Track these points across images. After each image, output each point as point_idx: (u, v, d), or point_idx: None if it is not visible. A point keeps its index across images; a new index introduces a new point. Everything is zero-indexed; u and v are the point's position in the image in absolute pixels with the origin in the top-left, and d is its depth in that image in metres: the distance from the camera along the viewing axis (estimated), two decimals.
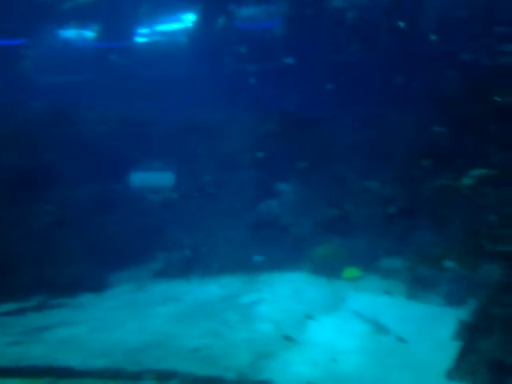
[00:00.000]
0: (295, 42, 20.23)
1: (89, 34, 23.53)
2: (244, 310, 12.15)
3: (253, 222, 16.06)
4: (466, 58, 14.58)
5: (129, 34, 23.64)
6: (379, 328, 10.58)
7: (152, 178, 18.66)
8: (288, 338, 10.19)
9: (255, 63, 19.93)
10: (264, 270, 14.61)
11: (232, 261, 15.13)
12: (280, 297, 12.78)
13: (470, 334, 9.15)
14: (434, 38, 17.45)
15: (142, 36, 23.84)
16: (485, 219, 12.50)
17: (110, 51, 22.93)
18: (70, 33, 23.53)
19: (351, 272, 13.48)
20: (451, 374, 8.58)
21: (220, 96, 19.31)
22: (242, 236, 15.63)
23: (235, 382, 8.10)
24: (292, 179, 16.74)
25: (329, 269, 13.80)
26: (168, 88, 20.36)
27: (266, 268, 14.65)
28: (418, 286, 12.22)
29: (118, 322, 11.51)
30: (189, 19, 22.84)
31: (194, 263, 15.38)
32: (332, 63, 20.01)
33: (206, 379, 8.15)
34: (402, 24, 18.08)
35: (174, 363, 8.92)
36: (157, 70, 21.99)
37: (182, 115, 19.57)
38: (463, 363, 8.64)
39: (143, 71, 22.18)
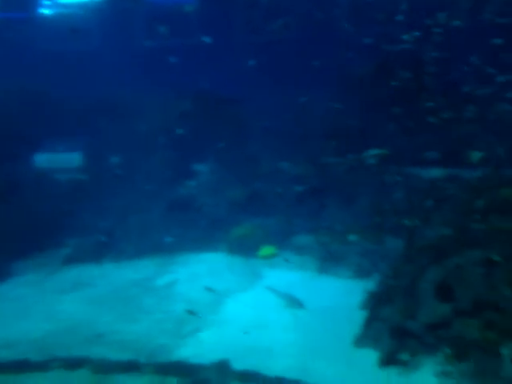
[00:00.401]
0: (210, 20, 19.90)
1: None
2: (159, 292, 12.01)
3: (169, 203, 15.75)
4: (368, 42, 15.24)
5: (31, 4, 21.83)
6: (293, 302, 10.93)
7: (59, 159, 17.54)
8: (203, 317, 10.23)
9: (169, 39, 19.30)
10: (180, 252, 14.48)
11: (147, 244, 14.79)
12: (196, 277, 12.78)
13: (374, 303, 9.75)
14: (344, 24, 18.04)
15: (47, 7, 22.13)
16: (389, 196, 13.36)
17: (10, 22, 21.09)
18: None
19: (266, 250, 13.76)
20: (358, 341, 9.14)
21: (131, 73, 18.53)
22: (157, 218, 15.30)
23: (146, 364, 7.99)
24: (208, 160, 16.60)
25: (245, 248, 13.98)
26: (75, 64, 19.17)
27: (182, 249, 14.51)
28: (329, 260, 12.81)
29: (22, 311, 10.83)
30: None
31: (107, 247, 14.79)
32: (248, 43, 19.98)
33: (117, 364, 7.94)
34: (313, 9, 18.49)
35: (84, 350, 8.60)
36: (63, 44, 20.56)
37: (91, 92, 18.52)
38: (369, 331, 9.22)
39: (48, 45, 20.63)
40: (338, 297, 11.35)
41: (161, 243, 14.49)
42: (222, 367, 7.99)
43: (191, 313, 10.04)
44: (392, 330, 8.67)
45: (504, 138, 13.82)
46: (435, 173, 13.43)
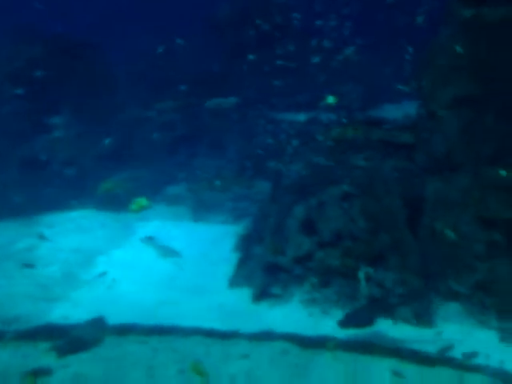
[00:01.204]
0: None
1: None
2: (23, 255, 11.08)
3: (24, 160, 14.26)
4: None
5: None
6: (169, 251, 10.93)
7: None
8: (73, 277, 9.75)
9: None
10: (43, 212, 13.40)
11: (4, 206, 13.38)
12: (63, 237, 12.03)
13: (246, 244, 10.19)
14: None
15: None
16: (257, 140, 13.73)
17: None
18: None
19: (138, 203, 13.36)
20: (232, 281, 9.54)
21: None
22: (11, 177, 13.80)
23: (8, 332, 7.42)
24: (65, 111, 15.22)
25: (115, 202, 13.42)
26: None
27: (45, 209, 13.43)
28: (203, 208, 12.95)
29: None
30: None
31: None
32: None
33: None
34: None
35: None
36: None
37: None
38: (242, 270, 9.66)
39: None
40: (212, 242, 11.62)
41: (19, 204, 13.21)
42: (97, 324, 7.75)
43: (28, 266, 9.48)
44: (263, 267, 9.18)
45: (358, 84, 14.96)
46: (299, 117, 14.07)
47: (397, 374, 6.83)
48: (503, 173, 8.57)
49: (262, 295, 8.88)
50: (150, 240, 11.59)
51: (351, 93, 14.82)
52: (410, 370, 6.96)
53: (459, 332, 8.02)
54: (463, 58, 9.39)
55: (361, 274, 8.52)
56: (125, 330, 7.71)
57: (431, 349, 7.45)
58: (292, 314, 8.36)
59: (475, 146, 9.27)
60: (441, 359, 7.20)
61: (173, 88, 14.04)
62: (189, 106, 13.69)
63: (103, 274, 10.12)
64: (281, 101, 13.97)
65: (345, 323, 7.48)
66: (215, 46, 15.27)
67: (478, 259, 8.73)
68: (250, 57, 12.97)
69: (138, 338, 7.63)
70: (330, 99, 9.32)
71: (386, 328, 8.11)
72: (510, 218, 8.76)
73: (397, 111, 13.22)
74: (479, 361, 7.17)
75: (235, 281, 9.52)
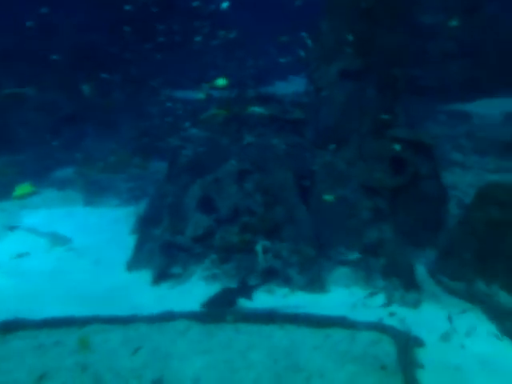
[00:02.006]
0: None
1: None
2: None
3: None
4: None
5: None
6: (59, 239, 10.30)
7: None
8: None
9: None
10: None
11: None
12: None
13: (144, 226, 9.91)
14: None
15: None
16: (151, 120, 13.31)
17: None
18: None
19: (22, 189, 12.31)
20: (130, 265, 9.26)
21: None
22: None
23: None
24: None
25: None
26: None
27: None
28: (95, 191, 12.32)
29: None
30: None
31: None
32: None
33: None
34: None
35: None
36: None
37: None
38: (141, 253, 9.41)
39: None
40: (107, 226, 11.15)
41: None
42: None
43: None
44: (162, 248, 9.02)
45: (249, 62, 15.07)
46: (194, 94, 13.84)
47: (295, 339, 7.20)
48: (397, 147, 9.19)
49: (161, 276, 8.75)
50: (37, 229, 10.79)
51: (242, 71, 14.97)
52: (306, 333, 7.35)
53: (349, 294, 8.62)
54: (344, 33, 9.89)
55: (258, 248, 8.75)
56: (11, 326, 7.15)
57: (326, 312, 7.90)
58: (193, 292, 8.35)
59: (359, 118, 9.90)
60: (334, 321, 7.67)
61: (52, 63, 12.95)
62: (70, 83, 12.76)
63: None
64: (173, 78, 13.63)
65: (207, 305, 7.59)
66: (98, 20, 14.34)
67: (365, 225, 9.41)
68: (126, 28, 12.41)
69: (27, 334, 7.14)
70: (221, 81, 9.24)
71: (285, 296, 8.48)
72: (392, 186, 9.54)
73: (287, 88, 13.61)
74: (367, 319, 7.76)
75: (134, 264, 9.26)
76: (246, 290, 7.79)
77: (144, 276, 8.95)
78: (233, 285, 8.37)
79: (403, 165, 9.59)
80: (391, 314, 8.02)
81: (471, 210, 8.37)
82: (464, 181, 10.12)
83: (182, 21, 14.21)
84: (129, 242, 10.03)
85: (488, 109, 12.39)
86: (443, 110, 12.07)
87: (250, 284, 8.15)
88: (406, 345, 7.11)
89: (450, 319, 7.89)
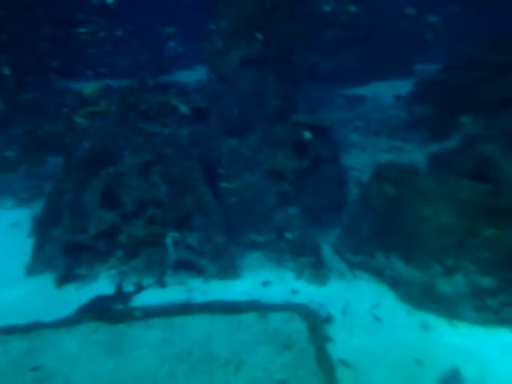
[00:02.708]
0: None
1: None
2: None
3: None
4: None
5: None
6: None
7: None
8: None
9: None
10: None
11: None
12: None
13: (42, 227, 9.27)
14: None
15: None
16: (44, 114, 12.40)
17: None
18: None
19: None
20: (30, 270, 8.63)
21: None
22: None
23: None
24: None
25: None
26: None
27: None
28: None
29: None
30: None
31: None
32: None
33: None
34: None
35: None
36: None
37: None
38: (40, 255, 8.80)
39: None
40: (1, 230, 10.28)
41: None
42: None
43: None
44: (64, 249, 8.51)
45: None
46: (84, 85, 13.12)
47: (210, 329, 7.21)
48: (308, 134, 9.37)
49: (65, 279, 8.26)
50: None
51: (142, 60, 14.52)
52: (220, 321, 7.39)
53: (261, 277, 8.78)
54: (243, 21, 9.92)
55: (168, 240, 8.58)
56: None
57: (239, 297, 7.98)
58: (100, 292, 7.99)
59: (261, 105, 10.02)
60: (247, 305, 7.79)
61: None
62: None
63: None
64: (68, 69, 12.83)
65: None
66: None
67: (272, 209, 9.61)
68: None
69: None
70: (91, 89, 8.42)
71: (198, 286, 8.42)
72: (295, 169, 9.79)
73: (190, 77, 13.41)
74: (279, 300, 7.97)
75: (34, 268, 8.64)
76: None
77: (46, 279, 8.41)
78: (145, 281, 8.19)
79: (305, 149, 9.88)
80: (300, 293, 8.31)
81: (368, 188, 8.87)
82: (361, 161, 10.69)
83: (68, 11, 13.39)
84: (27, 245, 9.32)
85: (380, 92, 13.17)
86: (341, 94, 12.62)
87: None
88: (316, 321, 7.43)
89: (355, 293, 8.35)
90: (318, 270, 8.85)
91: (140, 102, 9.87)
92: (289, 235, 9.34)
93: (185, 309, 7.56)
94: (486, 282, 7.30)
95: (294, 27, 10.17)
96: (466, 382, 6.36)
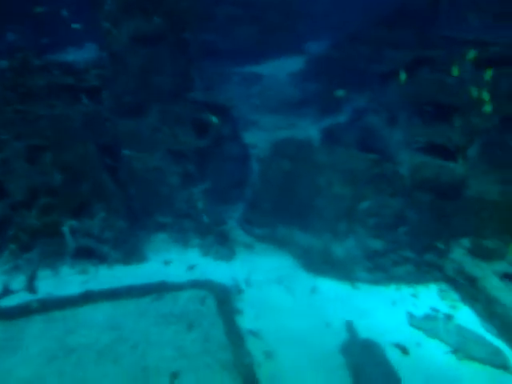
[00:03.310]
0: None
1: None
2: None
3: None
4: None
5: None
6: None
7: None
8: None
9: None
10: None
11: None
12: None
13: None
14: None
15: None
16: None
17: None
18: None
19: None
20: None
21: None
22: None
23: None
24: None
25: None
26: None
27: None
28: None
29: None
30: None
31: None
32: None
33: None
34: None
35: None
36: None
37: None
38: None
39: None
40: None
41: None
42: None
43: None
44: None
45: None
46: None
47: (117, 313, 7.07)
48: (215, 119, 9.27)
49: None
50: None
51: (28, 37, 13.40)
52: (128, 305, 7.28)
53: (168, 258, 8.75)
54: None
55: (65, 229, 8.18)
56: None
57: (146, 280, 7.88)
58: None
59: (157, 84, 9.75)
60: (155, 287, 7.72)
61: None
62: None
63: None
64: None
65: None
66: None
67: (176, 190, 9.53)
68: None
69: None
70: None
71: (101, 274, 8.17)
72: (197, 148, 9.76)
73: (81, 55, 12.60)
74: (187, 278, 8.00)
75: None
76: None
77: None
78: (41, 272, 7.76)
79: (206, 128, 9.88)
80: (207, 270, 8.42)
81: (268, 165, 9.16)
82: (260, 139, 10.93)
83: None
84: None
85: (275, 69, 13.45)
86: (236, 72, 12.70)
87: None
88: (223, 295, 7.59)
89: (260, 265, 8.65)
90: (223, 246, 9.02)
91: (23, 82, 9.09)
92: (194, 214, 9.36)
93: (87, 297, 7.31)
94: (376, 244, 7.98)
95: (183, 4, 9.97)
96: (359, 334, 6.90)
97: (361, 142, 8.19)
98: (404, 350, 6.70)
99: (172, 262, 8.69)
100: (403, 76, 7.84)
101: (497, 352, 6.63)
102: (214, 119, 9.25)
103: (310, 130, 10.77)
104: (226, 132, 10.15)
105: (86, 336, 6.58)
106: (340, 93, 9.04)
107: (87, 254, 8.30)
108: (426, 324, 7.20)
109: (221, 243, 9.12)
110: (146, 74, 9.65)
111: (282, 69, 13.33)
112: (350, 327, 7.02)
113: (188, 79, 9.94)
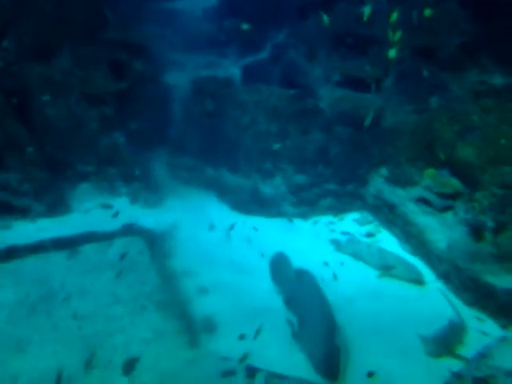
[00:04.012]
0: None
1: None
2: None
3: None
4: None
5: None
6: None
7: None
8: None
9: None
10: None
11: None
12: None
13: None
14: None
15: None
16: None
17: None
18: None
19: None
20: None
21: None
22: None
23: None
24: None
25: None
26: None
27: None
28: None
29: None
30: None
31: None
32: None
33: None
34: None
35: None
36: None
37: None
38: None
39: None
40: None
41: None
42: None
43: None
44: None
45: None
46: None
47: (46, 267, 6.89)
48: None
49: None
50: None
51: None
52: (57, 258, 7.13)
53: (95, 207, 8.54)
54: None
55: None
56: None
57: (73, 231, 7.68)
58: None
59: (66, 22, 8.99)
60: (83, 237, 7.57)
61: None
62: None
63: None
64: None
65: None
66: None
67: (96, 136, 9.09)
68: None
69: None
70: None
71: (25, 227, 7.85)
72: (115, 90, 9.28)
73: None
74: (117, 226, 7.89)
75: None
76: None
77: None
78: None
79: (123, 69, 9.39)
80: (137, 216, 8.33)
81: (190, 104, 8.96)
82: (181, 78, 10.56)
83: None
84: None
85: (190, 5, 12.84)
86: (152, 9, 11.98)
87: None
88: (155, 240, 7.61)
89: (188, 208, 8.70)
90: (151, 192, 8.91)
91: None
92: (117, 160, 9.08)
93: (11, 252, 7.04)
94: (301, 179, 8.25)
95: None
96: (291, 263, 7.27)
97: (282, 78, 8.20)
98: (332, 273, 7.16)
99: (98, 210, 8.50)
100: (325, 18, 7.62)
101: (413, 269, 7.31)
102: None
103: (231, 68, 10.57)
104: (145, 72, 9.72)
105: (13, 293, 6.39)
106: (245, 26, 8.86)
107: (7, 209, 7.89)
108: (351, 248, 7.73)
109: (148, 189, 8.98)
110: (54, 13, 8.85)
111: (197, 4, 12.77)
112: (282, 257, 7.32)
113: (101, 16, 9.25)
